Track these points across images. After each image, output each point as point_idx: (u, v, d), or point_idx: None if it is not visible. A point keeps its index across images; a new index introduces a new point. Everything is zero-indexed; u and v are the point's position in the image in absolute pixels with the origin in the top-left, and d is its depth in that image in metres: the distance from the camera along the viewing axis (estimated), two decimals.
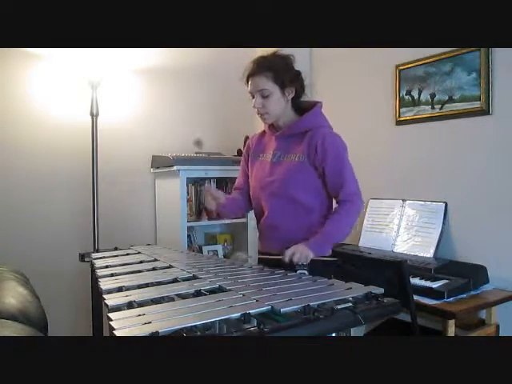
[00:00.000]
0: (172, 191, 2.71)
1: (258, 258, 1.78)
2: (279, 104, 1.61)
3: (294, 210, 1.62)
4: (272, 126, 1.73)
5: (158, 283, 1.28)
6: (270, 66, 1.58)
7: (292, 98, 1.64)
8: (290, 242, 1.56)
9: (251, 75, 1.60)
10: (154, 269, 1.52)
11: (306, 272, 1.48)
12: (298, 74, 1.64)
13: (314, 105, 1.69)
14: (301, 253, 1.48)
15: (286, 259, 1.49)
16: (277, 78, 1.57)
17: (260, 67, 1.58)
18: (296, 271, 1.48)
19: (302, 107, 1.69)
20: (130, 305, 1.05)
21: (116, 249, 2.07)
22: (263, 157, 1.73)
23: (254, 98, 1.62)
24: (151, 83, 2.87)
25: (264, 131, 1.80)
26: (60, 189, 2.58)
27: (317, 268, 1.50)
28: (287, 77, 1.60)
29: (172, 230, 2.71)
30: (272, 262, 1.57)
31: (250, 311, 0.96)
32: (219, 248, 2.94)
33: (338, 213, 1.58)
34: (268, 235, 1.70)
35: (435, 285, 1.82)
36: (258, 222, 1.77)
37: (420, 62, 2.34)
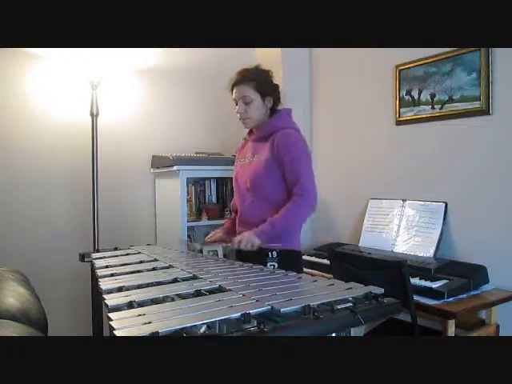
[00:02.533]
0: (172, 191, 2.71)
1: (236, 253, 1.90)
2: (259, 110, 1.79)
3: (263, 205, 1.75)
4: (251, 133, 1.90)
5: (158, 283, 1.28)
6: (252, 76, 1.78)
7: (270, 108, 1.81)
8: None
9: (236, 84, 1.79)
10: (154, 269, 1.52)
11: (275, 264, 1.66)
12: (277, 87, 1.84)
13: (280, 110, 1.86)
14: (247, 239, 1.62)
15: (235, 246, 1.65)
16: (258, 87, 1.76)
17: (244, 77, 1.78)
18: (266, 263, 1.65)
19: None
20: (130, 305, 1.05)
21: (116, 249, 2.07)
22: (241, 161, 1.90)
23: (237, 104, 1.80)
24: (151, 83, 2.87)
25: (246, 139, 1.98)
26: (60, 189, 2.58)
27: (289, 261, 1.67)
28: (267, 87, 1.79)
29: (172, 230, 2.71)
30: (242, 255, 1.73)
31: (250, 311, 0.96)
32: (219, 248, 2.93)
33: (287, 206, 1.68)
34: (241, 231, 1.79)
35: (435, 285, 1.82)
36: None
37: (420, 62, 2.34)
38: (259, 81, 1.77)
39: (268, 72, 1.83)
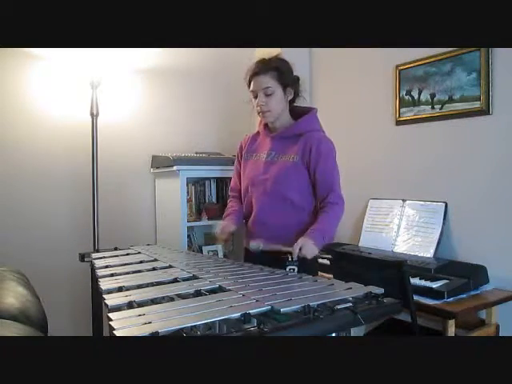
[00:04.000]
0: (172, 191, 2.70)
1: (244, 256, 1.83)
2: (281, 103, 1.68)
3: (284, 208, 1.68)
4: (267, 127, 1.79)
5: (158, 283, 1.28)
6: (274, 66, 1.66)
7: (290, 101, 1.72)
8: (277, 239, 1.62)
9: (255, 74, 1.67)
10: (154, 269, 1.52)
11: (295, 268, 1.55)
12: (298, 78, 1.73)
13: (309, 110, 1.77)
14: (311, 250, 1.53)
15: (296, 252, 1.52)
16: (280, 78, 1.65)
17: (265, 67, 1.66)
18: (286, 268, 1.54)
19: (296, 112, 1.77)
20: (129, 305, 1.05)
21: (116, 249, 2.07)
22: (257, 156, 1.79)
23: (255, 97, 1.68)
24: (151, 83, 2.87)
25: (258, 132, 1.86)
26: (60, 189, 2.58)
27: (307, 265, 1.56)
28: (289, 78, 1.69)
29: (172, 230, 2.71)
30: (261, 258, 1.62)
31: (250, 311, 0.96)
32: (219, 248, 2.93)
33: (330, 212, 1.64)
34: (256, 232, 1.74)
35: (435, 285, 1.82)
36: (247, 219, 1.81)
37: (420, 62, 2.34)
38: (281, 71, 1.66)
39: (288, 62, 1.72)
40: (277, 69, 1.66)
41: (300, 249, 1.52)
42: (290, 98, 1.71)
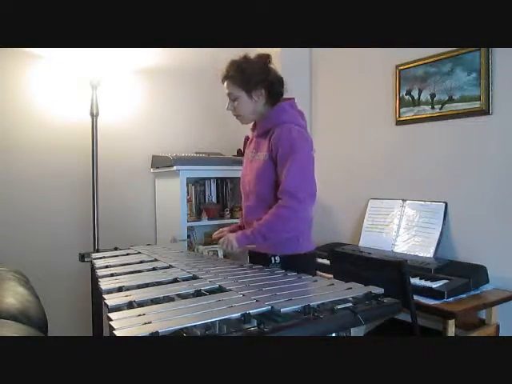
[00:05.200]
0: (172, 191, 2.71)
1: (249, 256, 1.82)
2: (247, 107, 1.64)
3: (264, 207, 1.62)
4: (254, 126, 1.76)
5: (158, 283, 1.28)
6: (236, 70, 1.62)
7: (269, 99, 1.65)
8: None
9: (222, 80, 1.66)
10: (154, 269, 1.52)
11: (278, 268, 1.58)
12: (266, 76, 1.63)
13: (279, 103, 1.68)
14: (228, 241, 1.60)
15: (221, 247, 1.64)
16: (242, 82, 1.61)
17: (228, 72, 1.63)
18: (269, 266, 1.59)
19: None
20: (130, 305, 1.05)
21: (116, 249, 2.07)
22: (246, 156, 1.79)
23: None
24: (151, 83, 2.87)
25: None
26: (60, 189, 2.58)
27: (294, 265, 1.55)
28: (253, 80, 1.61)
29: (172, 230, 2.71)
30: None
31: (250, 311, 0.96)
32: (219, 248, 2.93)
33: (270, 211, 1.57)
34: None
35: (435, 285, 1.82)
36: None
37: (420, 62, 2.34)
38: (241, 76, 1.60)
39: (257, 61, 1.63)
40: (234, 75, 1.61)
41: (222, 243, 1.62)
42: (262, 97, 1.63)
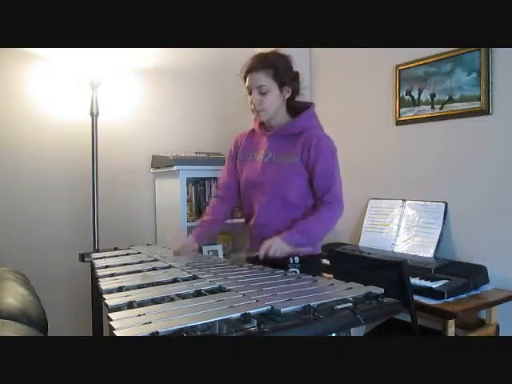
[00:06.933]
0: (172, 191, 2.70)
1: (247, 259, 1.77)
2: (276, 102, 1.60)
3: (285, 209, 1.62)
4: (263, 125, 1.72)
5: (158, 283, 1.28)
6: (270, 63, 1.57)
7: (287, 99, 1.64)
8: None
9: (250, 71, 1.58)
10: (154, 269, 1.51)
11: (297, 270, 1.53)
12: (297, 74, 1.64)
13: (307, 106, 1.69)
14: (279, 247, 1.49)
15: (262, 253, 1.48)
16: (276, 76, 1.56)
17: (260, 63, 1.57)
18: (288, 269, 1.53)
19: (294, 108, 1.68)
20: (130, 305, 1.05)
21: (116, 249, 2.07)
22: (253, 156, 1.72)
23: (250, 94, 1.60)
24: (151, 83, 2.87)
25: (253, 130, 1.78)
26: (60, 189, 2.58)
27: (309, 266, 1.55)
28: (286, 76, 1.59)
29: (172, 230, 2.71)
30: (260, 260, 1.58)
31: (250, 311, 0.96)
32: (219, 248, 2.93)
33: (320, 212, 1.59)
34: (259, 235, 1.67)
35: (435, 285, 1.82)
36: (248, 221, 1.76)
37: (420, 62, 2.34)
38: (278, 68, 1.56)
39: (288, 58, 1.62)
40: (273, 66, 1.56)
41: (269, 249, 1.48)
42: (288, 96, 1.62)
